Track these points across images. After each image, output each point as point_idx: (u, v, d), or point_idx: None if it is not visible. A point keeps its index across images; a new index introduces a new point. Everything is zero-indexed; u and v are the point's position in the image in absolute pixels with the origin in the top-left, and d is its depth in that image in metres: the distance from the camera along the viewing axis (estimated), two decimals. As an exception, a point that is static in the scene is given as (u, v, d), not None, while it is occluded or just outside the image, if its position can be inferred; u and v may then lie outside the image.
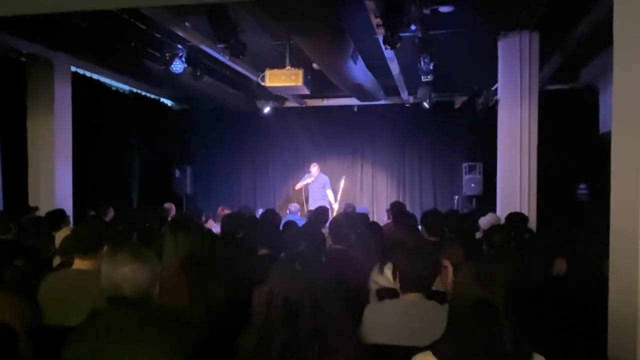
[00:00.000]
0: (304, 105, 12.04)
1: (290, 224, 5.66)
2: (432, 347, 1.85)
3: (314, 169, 10.80)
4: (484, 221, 6.21)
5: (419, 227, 5.84)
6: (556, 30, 7.20)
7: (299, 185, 10.99)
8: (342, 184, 10.80)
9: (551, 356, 1.92)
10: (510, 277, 1.85)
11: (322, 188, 10.74)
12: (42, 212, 6.63)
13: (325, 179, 10.85)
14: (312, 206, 9.86)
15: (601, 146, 8.75)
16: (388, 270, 3.30)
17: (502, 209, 7.07)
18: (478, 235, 5.38)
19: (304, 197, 10.84)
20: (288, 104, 12.06)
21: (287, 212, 9.35)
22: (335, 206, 10.36)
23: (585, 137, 9.28)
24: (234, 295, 2.85)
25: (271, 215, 5.79)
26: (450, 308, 1.93)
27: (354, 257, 4.09)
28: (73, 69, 8.83)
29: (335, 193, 10.77)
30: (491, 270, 1.87)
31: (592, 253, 3.72)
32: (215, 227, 7.26)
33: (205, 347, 2.16)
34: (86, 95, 9.15)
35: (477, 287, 1.82)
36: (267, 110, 11.75)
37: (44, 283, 3.03)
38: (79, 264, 3.11)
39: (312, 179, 10.73)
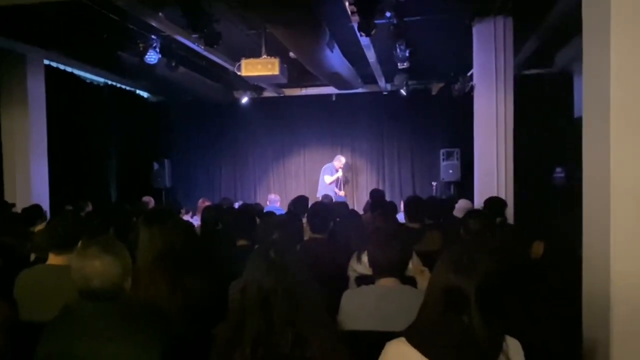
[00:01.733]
0: (282, 95, 12.00)
1: (267, 214, 5.67)
2: (405, 334, 1.86)
3: (341, 162, 11.06)
4: (458, 207, 6.27)
5: (399, 214, 5.89)
6: (530, 15, 7.23)
7: (328, 179, 11.03)
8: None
9: (528, 339, 1.95)
10: (484, 263, 1.87)
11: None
12: (18, 208, 6.55)
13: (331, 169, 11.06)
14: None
15: (576, 130, 8.85)
16: (365, 258, 3.32)
17: (480, 194, 7.13)
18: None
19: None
20: (266, 94, 12.01)
21: (267, 202, 9.37)
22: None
23: (560, 121, 9.36)
24: (213, 287, 2.85)
25: (250, 206, 5.79)
26: (426, 293, 1.95)
27: (332, 245, 4.11)
28: (46, 62, 8.70)
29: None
30: (465, 256, 1.89)
31: (568, 236, 3.78)
32: (195, 220, 7.25)
33: (183, 339, 2.16)
34: (60, 88, 9.05)
35: (450, 273, 1.85)
36: (245, 100, 11.69)
37: (19, 279, 3.01)
38: (53, 259, 3.09)
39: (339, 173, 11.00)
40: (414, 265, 3.02)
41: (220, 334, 1.97)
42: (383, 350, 1.88)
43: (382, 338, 1.93)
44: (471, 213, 4.20)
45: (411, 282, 2.82)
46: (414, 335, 1.84)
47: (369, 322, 2.55)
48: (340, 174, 10.99)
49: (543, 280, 3.20)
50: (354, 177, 12.11)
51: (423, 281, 2.95)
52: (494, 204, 5.36)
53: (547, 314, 2.82)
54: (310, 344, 1.84)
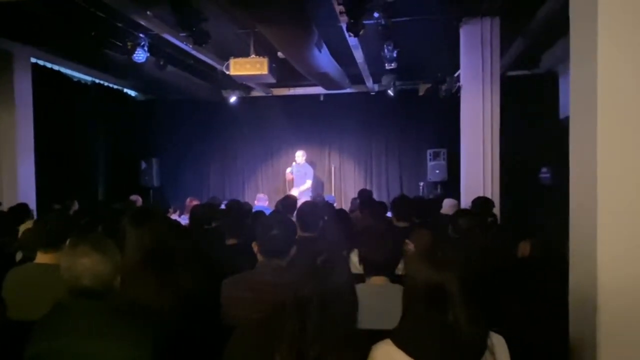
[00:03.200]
0: (270, 95, 12.00)
1: (260, 213, 5.68)
2: (390, 335, 1.86)
3: (299, 156, 10.87)
4: (445, 206, 6.32)
5: (388, 213, 5.91)
6: (517, 16, 7.29)
7: (288, 177, 11.00)
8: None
9: (514, 336, 1.97)
10: (468, 260, 1.88)
11: (303, 176, 10.76)
12: (4, 207, 6.51)
13: (308, 168, 10.89)
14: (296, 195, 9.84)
15: (562, 130, 8.94)
16: (355, 257, 3.34)
17: (466, 194, 7.18)
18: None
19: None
20: (254, 94, 12.01)
21: (255, 201, 9.36)
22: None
23: (546, 122, 9.45)
24: (202, 285, 2.85)
25: (239, 205, 5.79)
26: (404, 293, 1.96)
27: (322, 244, 4.12)
28: (33, 60, 8.66)
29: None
30: (441, 253, 1.89)
31: (554, 235, 3.82)
32: (183, 219, 7.23)
33: (173, 336, 2.16)
34: (48, 86, 8.99)
35: (429, 270, 1.85)
36: (233, 99, 11.66)
37: (7, 278, 2.99)
38: (41, 257, 3.08)
39: (292, 166, 10.83)
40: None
41: (246, 333, 1.96)
42: (370, 354, 1.87)
43: (372, 336, 1.93)
44: (461, 212, 4.24)
45: (401, 281, 2.83)
46: (400, 336, 1.84)
47: (359, 320, 2.56)
48: (289, 168, 10.96)
49: (530, 279, 3.23)
50: (342, 178, 12.13)
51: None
52: (483, 204, 5.41)
53: (534, 312, 2.85)
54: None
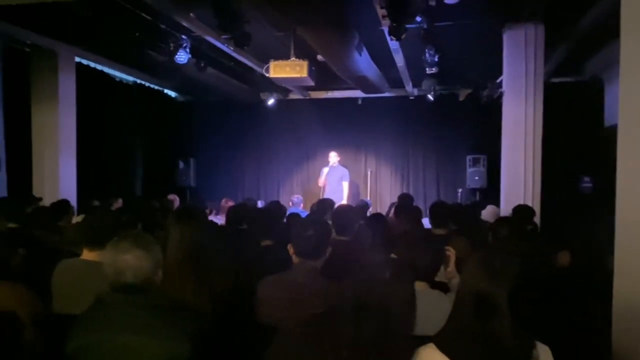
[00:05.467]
0: (307, 98, 12.01)
1: (295, 215, 5.68)
2: (434, 340, 1.85)
3: (333, 158, 10.59)
4: (486, 213, 6.21)
5: (424, 219, 5.84)
6: (561, 22, 7.16)
7: (320, 181, 10.65)
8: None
9: (557, 348, 1.92)
10: (515, 270, 1.85)
11: (339, 180, 10.53)
12: (46, 203, 6.63)
13: (343, 170, 10.67)
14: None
15: (606, 139, 8.75)
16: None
17: (506, 202, 7.07)
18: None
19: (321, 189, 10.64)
20: (292, 96, 12.04)
21: (290, 203, 9.34)
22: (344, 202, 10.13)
23: (589, 130, 9.24)
24: (238, 286, 2.86)
25: (275, 207, 5.80)
26: (455, 299, 1.93)
27: (358, 248, 4.09)
28: (77, 59, 8.82)
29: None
30: (498, 262, 1.87)
31: (595, 246, 3.73)
32: (219, 219, 7.28)
33: (211, 334, 2.17)
34: (91, 86, 9.15)
35: (483, 279, 1.83)
36: (270, 102, 11.71)
37: (55, 272, 3.04)
38: (87, 254, 3.12)
39: (328, 169, 10.55)
40: (449, 270, 2.98)
41: (292, 335, 1.95)
42: (414, 356, 1.85)
43: (412, 341, 1.90)
44: (501, 220, 4.17)
45: (441, 287, 2.79)
46: (444, 342, 1.83)
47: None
48: (326, 170, 10.62)
49: (570, 289, 3.16)
50: (378, 182, 12.06)
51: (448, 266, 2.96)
52: (523, 212, 5.30)
53: (575, 323, 2.78)
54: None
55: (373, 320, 1.76)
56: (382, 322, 1.76)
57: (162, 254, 2.29)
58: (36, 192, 8.08)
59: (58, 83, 8.28)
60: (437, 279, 2.87)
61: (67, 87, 8.46)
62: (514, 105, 7.25)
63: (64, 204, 6.03)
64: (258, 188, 12.56)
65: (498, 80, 8.28)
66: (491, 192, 9.30)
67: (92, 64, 9.45)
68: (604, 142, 8.46)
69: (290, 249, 2.92)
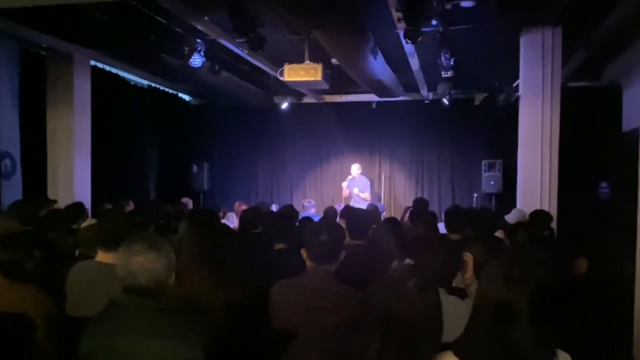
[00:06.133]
0: (321, 101, 12.00)
1: (307, 219, 5.65)
2: (453, 347, 1.81)
3: (355, 170, 10.48)
4: (511, 217, 6.13)
5: (439, 224, 5.78)
6: (579, 26, 7.09)
7: (345, 192, 10.55)
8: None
9: (576, 355, 1.88)
10: (535, 277, 1.81)
11: (361, 191, 10.40)
12: (60, 205, 6.66)
13: (365, 181, 10.54)
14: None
15: (624, 144, 8.65)
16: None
17: (522, 207, 6.98)
18: (498, 233, 5.30)
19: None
20: (305, 100, 12.03)
21: (302, 208, 9.31)
22: None
23: (607, 135, 9.13)
24: (252, 288, 2.84)
25: (289, 210, 5.77)
26: (474, 305, 1.89)
27: (372, 252, 4.05)
28: (92, 62, 8.87)
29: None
30: (518, 269, 1.83)
31: (613, 253, 3.67)
32: (232, 223, 7.27)
33: (223, 337, 2.15)
34: (105, 89, 9.19)
35: (502, 286, 1.79)
36: (284, 106, 11.72)
37: (70, 274, 3.04)
38: (101, 256, 3.12)
39: (347, 182, 10.45)
40: (467, 276, 2.93)
41: (310, 342, 1.92)
42: None
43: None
44: (518, 225, 4.12)
45: (458, 293, 2.74)
46: (463, 349, 1.79)
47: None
48: (347, 181, 10.52)
49: (588, 296, 3.12)
50: (392, 186, 12.01)
51: (466, 272, 2.90)
52: (540, 217, 5.24)
53: (595, 331, 2.74)
54: None
55: (400, 331, 1.70)
56: (409, 333, 1.70)
57: (176, 256, 2.27)
58: (51, 194, 8.12)
59: (73, 86, 8.31)
60: (454, 284, 2.82)
61: (82, 90, 8.49)
62: (531, 109, 7.18)
63: (78, 206, 6.05)
64: (271, 192, 12.55)
65: (514, 84, 8.21)
66: (507, 197, 9.23)
67: (107, 68, 9.50)
68: (621, 147, 8.37)
69: (304, 252, 2.89)
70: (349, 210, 5.68)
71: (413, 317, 1.71)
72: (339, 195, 11.15)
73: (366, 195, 10.40)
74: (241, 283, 2.76)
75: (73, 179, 8.37)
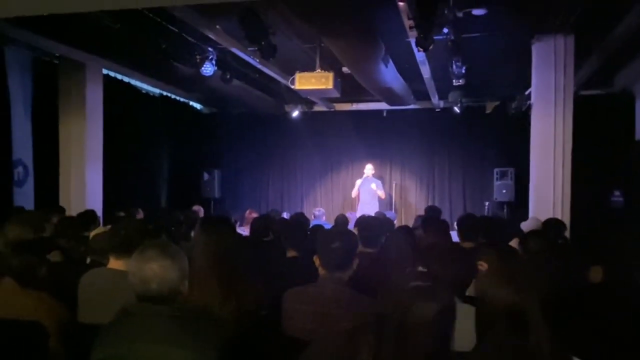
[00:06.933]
0: (332, 110, 12.00)
1: (319, 227, 5.63)
2: (469, 357, 1.79)
3: (369, 170, 10.63)
4: (526, 225, 6.08)
5: (451, 232, 5.75)
6: (592, 33, 7.05)
7: (354, 192, 10.73)
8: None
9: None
10: (545, 283, 1.79)
11: (374, 191, 10.52)
12: (72, 213, 6.68)
13: (376, 182, 10.68)
14: (361, 210, 9.72)
15: (637, 153, 8.59)
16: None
17: (535, 216, 6.94)
18: (513, 242, 5.26)
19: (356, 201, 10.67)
20: (316, 108, 12.04)
21: (312, 217, 9.29)
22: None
23: (620, 144, 9.08)
24: (264, 296, 2.82)
25: (301, 218, 5.76)
26: (480, 316, 1.87)
27: (384, 260, 4.02)
28: (105, 71, 8.92)
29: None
30: (525, 275, 1.81)
31: (627, 261, 3.62)
32: (243, 231, 7.26)
33: (236, 345, 2.13)
34: (117, 97, 9.25)
35: (509, 293, 1.77)
36: (295, 114, 11.73)
37: (81, 281, 3.04)
38: (113, 263, 3.11)
39: (361, 180, 10.60)
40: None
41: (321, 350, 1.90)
42: None
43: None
44: (531, 233, 4.08)
45: (472, 301, 2.71)
46: (479, 359, 1.77)
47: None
48: (358, 181, 10.69)
49: (603, 305, 3.08)
50: (403, 194, 11.98)
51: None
52: (554, 226, 5.20)
53: (610, 339, 2.70)
54: None
55: (415, 339, 1.67)
56: (421, 339, 1.68)
57: (189, 264, 2.25)
58: (63, 201, 8.18)
59: (86, 94, 8.37)
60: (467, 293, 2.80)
61: (95, 98, 8.55)
62: (543, 117, 7.15)
63: (90, 214, 6.06)
64: (282, 200, 12.56)
65: (527, 92, 8.18)
66: (519, 205, 9.18)
67: (119, 76, 9.56)
68: (634, 156, 8.31)
69: (317, 260, 2.87)
70: (362, 219, 5.66)
71: (425, 323, 1.68)
72: (350, 203, 11.15)
73: (382, 192, 10.51)
74: (253, 291, 2.75)
75: (85, 186, 8.41)
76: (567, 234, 6.46)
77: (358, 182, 10.65)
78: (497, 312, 1.80)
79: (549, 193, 7.04)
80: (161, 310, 2.04)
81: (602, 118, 9.36)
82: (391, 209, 11.17)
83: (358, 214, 8.28)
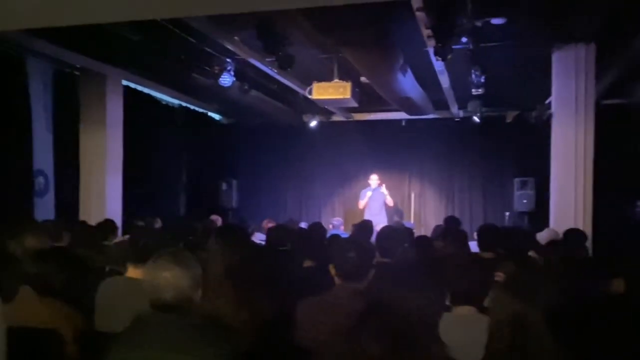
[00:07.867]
0: (350, 120, 11.99)
1: (336, 236, 5.62)
2: None
3: (374, 181, 10.53)
4: (542, 236, 6.02)
5: (470, 242, 5.70)
6: (613, 42, 6.98)
7: (361, 203, 10.59)
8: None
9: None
10: (560, 294, 1.77)
11: (382, 202, 10.45)
12: (92, 223, 6.72)
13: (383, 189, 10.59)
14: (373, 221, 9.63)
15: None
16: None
17: (556, 226, 6.84)
18: (532, 253, 5.20)
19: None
20: (334, 118, 12.03)
21: (330, 226, 9.27)
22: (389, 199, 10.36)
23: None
24: (279, 306, 2.81)
25: (318, 228, 5.75)
26: (491, 324, 1.86)
27: (400, 271, 3.99)
28: (124, 82, 9.01)
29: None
30: (532, 285, 1.79)
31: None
32: (259, 240, 7.26)
33: (249, 355, 2.12)
34: (137, 108, 9.33)
35: (514, 303, 1.76)
36: (313, 124, 11.74)
37: (100, 289, 3.06)
38: (132, 272, 3.14)
39: (371, 192, 10.46)
40: None
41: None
42: None
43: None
44: (552, 243, 4.03)
45: (487, 312, 2.68)
46: None
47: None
48: (369, 193, 10.51)
49: (625, 318, 3.01)
50: (422, 204, 11.91)
51: None
52: (575, 236, 5.12)
53: (632, 352, 2.64)
54: None
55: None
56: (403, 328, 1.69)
57: (203, 273, 2.25)
58: (83, 212, 8.25)
59: (106, 106, 8.44)
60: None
61: (115, 109, 8.63)
62: (564, 127, 7.08)
63: (109, 223, 6.10)
64: (300, 210, 12.56)
65: (547, 102, 8.10)
66: (540, 215, 9.07)
67: (139, 87, 9.65)
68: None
69: (332, 269, 2.86)
70: (383, 229, 5.63)
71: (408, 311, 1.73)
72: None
73: (390, 200, 10.47)
74: (268, 300, 2.74)
75: (105, 196, 8.47)
76: (589, 244, 6.38)
77: (368, 193, 10.48)
78: (503, 321, 1.77)
79: (570, 203, 6.95)
80: (173, 318, 2.05)
81: (624, 127, 9.23)
82: (410, 220, 11.10)
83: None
